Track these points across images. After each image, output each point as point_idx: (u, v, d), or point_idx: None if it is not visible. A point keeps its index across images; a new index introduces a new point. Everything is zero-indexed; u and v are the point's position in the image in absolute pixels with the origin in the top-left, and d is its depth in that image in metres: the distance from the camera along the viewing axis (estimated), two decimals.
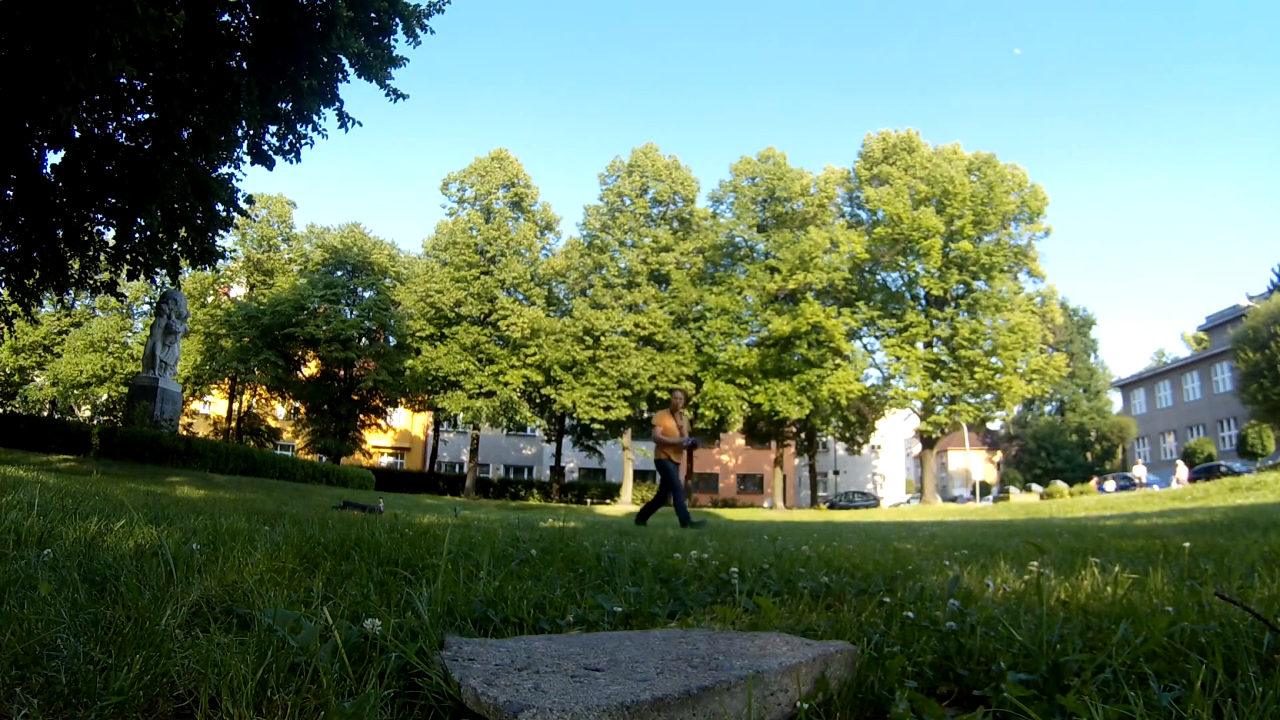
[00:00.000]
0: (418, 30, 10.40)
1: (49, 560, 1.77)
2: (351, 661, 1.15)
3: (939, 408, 36.36)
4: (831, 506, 41.64)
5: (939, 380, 36.16)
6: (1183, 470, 32.33)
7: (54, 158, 10.80)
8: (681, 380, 36.39)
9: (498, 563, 2.39)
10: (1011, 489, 43.09)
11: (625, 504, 35.65)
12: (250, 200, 12.05)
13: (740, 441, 47.54)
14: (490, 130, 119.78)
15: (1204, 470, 31.10)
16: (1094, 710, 1.02)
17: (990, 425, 47.88)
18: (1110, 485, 33.91)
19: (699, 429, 38.50)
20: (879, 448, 55.86)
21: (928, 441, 37.69)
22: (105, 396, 40.02)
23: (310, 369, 40.73)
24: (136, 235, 11.57)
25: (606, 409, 35.54)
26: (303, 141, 10.87)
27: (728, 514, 25.82)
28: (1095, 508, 16.74)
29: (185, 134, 10.19)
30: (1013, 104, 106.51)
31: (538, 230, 39.72)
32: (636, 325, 36.56)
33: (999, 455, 63.19)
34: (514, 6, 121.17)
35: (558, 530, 4.39)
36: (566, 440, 42.33)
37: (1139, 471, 34.10)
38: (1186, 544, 3.21)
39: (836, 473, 54.15)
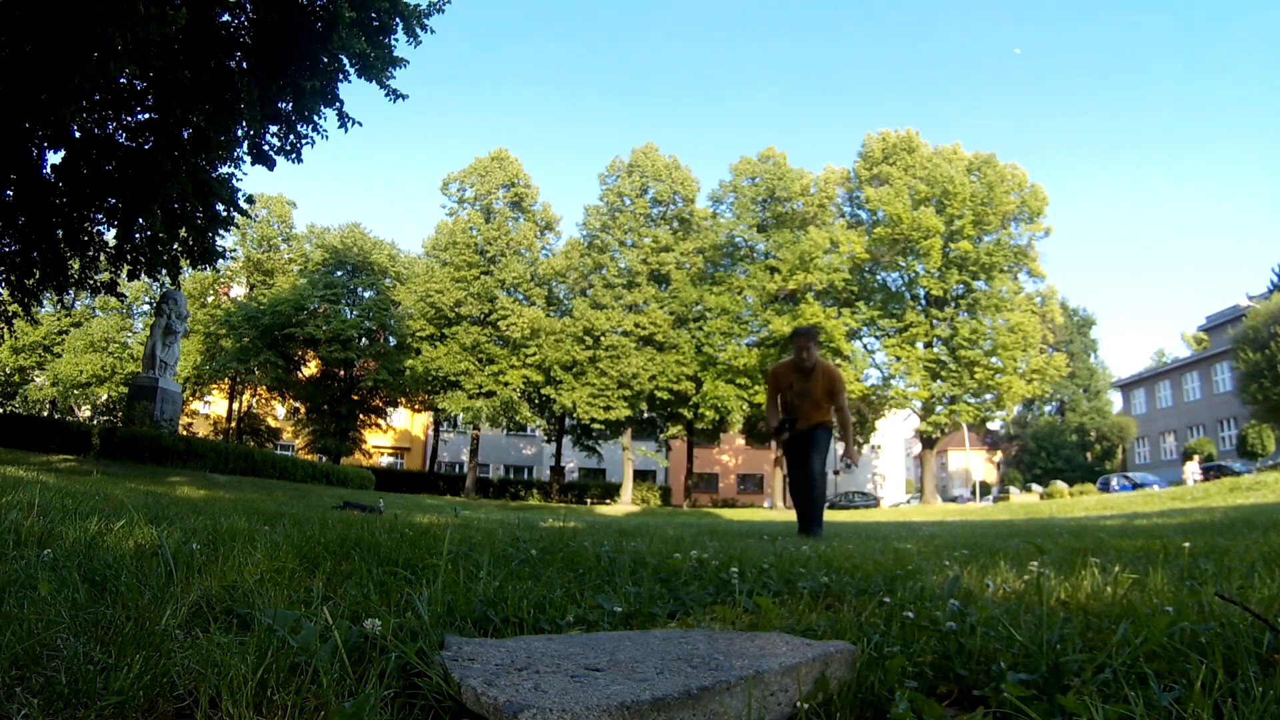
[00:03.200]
0: (418, 30, 10.41)
1: (49, 560, 1.77)
2: (351, 661, 1.15)
3: (939, 408, 36.35)
4: (831, 506, 41.65)
5: (939, 380, 36.15)
6: (1193, 469, 32.06)
7: (54, 158, 10.81)
8: (682, 381, 36.35)
9: (498, 563, 2.39)
10: (1011, 489, 43.09)
11: (625, 504, 35.65)
12: (250, 200, 12.06)
13: (740, 441, 47.52)
14: (490, 130, 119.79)
15: (1204, 471, 31.06)
16: (1094, 710, 1.02)
17: (990, 425, 47.86)
18: (1115, 483, 33.66)
19: (700, 429, 38.47)
20: (879, 448, 55.88)
21: (928, 441, 37.69)
22: (105, 396, 40.01)
23: (310, 369, 40.72)
24: (137, 235, 11.58)
25: (606, 409, 35.53)
26: (303, 141, 10.88)
27: (728, 514, 25.82)
28: (1095, 508, 16.75)
29: (185, 134, 10.19)
30: (1013, 104, 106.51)
31: (538, 230, 39.71)
32: (636, 325, 36.55)
33: (999, 455, 63.18)
34: (514, 7, 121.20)
35: (558, 530, 4.39)
36: (566, 440, 42.32)
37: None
38: (1186, 544, 3.21)
39: (836, 473, 54.13)
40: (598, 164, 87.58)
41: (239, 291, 43.75)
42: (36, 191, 10.70)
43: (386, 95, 10.50)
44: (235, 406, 43.40)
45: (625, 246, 38.13)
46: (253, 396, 43.95)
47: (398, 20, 10.24)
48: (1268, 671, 1.15)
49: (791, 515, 6.76)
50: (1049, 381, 36.93)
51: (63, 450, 14.51)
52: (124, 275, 12.98)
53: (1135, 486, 31.19)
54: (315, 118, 10.74)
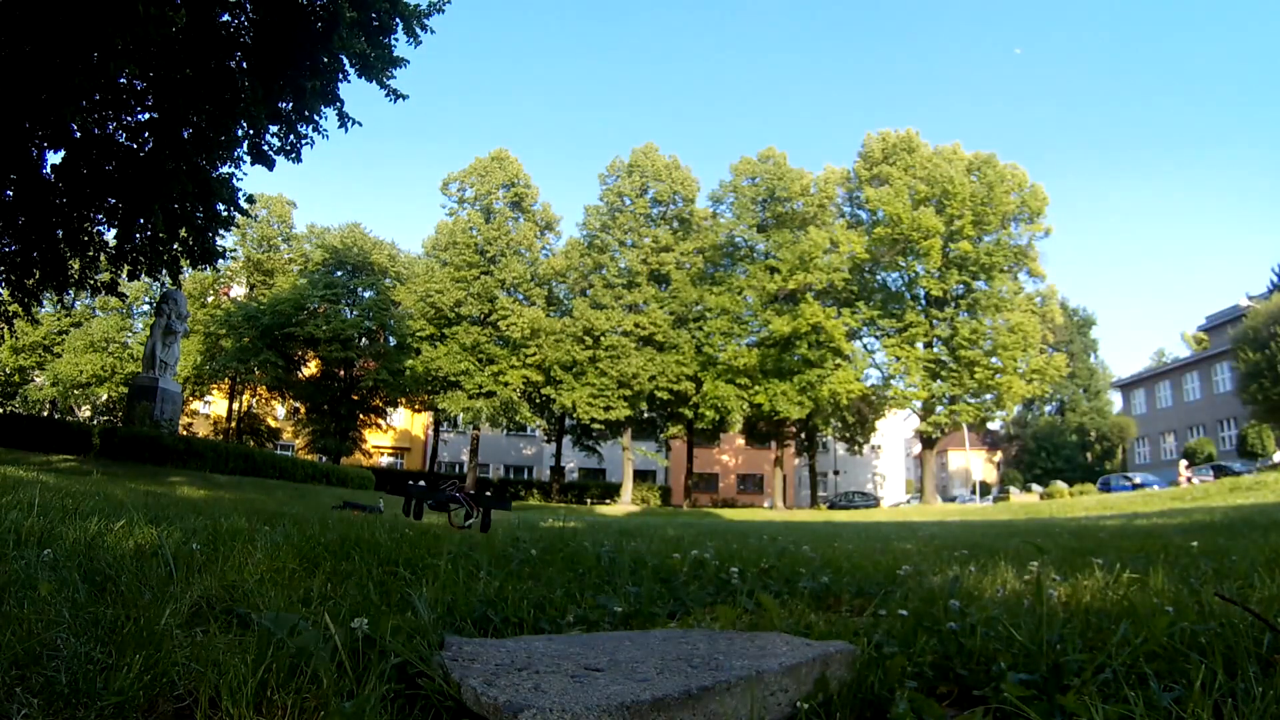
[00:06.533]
0: (418, 30, 10.41)
1: (49, 560, 1.77)
2: (351, 661, 1.15)
3: (939, 408, 36.36)
4: (831, 506, 41.64)
5: (939, 380, 36.16)
6: (1188, 471, 32.15)
7: (54, 158, 10.81)
8: (682, 381, 36.33)
9: (498, 563, 2.39)
10: (1011, 489, 43.09)
11: (625, 504, 35.65)
12: (251, 200, 12.06)
13: (740, 441, 47.53)
14: (490, 130, 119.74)
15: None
16: (1094, 710, 1.02)
17: (990, 425, 47.88)
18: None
19: (700, 429, 38.46)
20: (879, 448, 55.85)
21: (928, 441, 37.69)
22: (105, 396, 40.03)
23: (310, 369, 40.73)
24: (137, 236, 11.59)
25: (606, 409, 35.53)
26: (304, 141, 10.87)
27: (728, 514, 25.82)
28: (1095, 508, 16.74)
29: (186, 134, 10.20)
30: (1013, 104, 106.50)
31: (538, 230, 39.71)
32: (636, 325, 36.55)
33: (999, 455, 63.20)
34: (514, 7, 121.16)
35: (558, 530, 4.39)
36: (566, 440, 42.32)
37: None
38: (1189, 544, 3.21)
39: (836, 473, 54.15)
40: (598, 164, 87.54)
41: (239, 291, 43.76)
42: (36, 191, 10.70)
43: (387, 95, 10.50)
44: (235, 406, 43.39)
45: (625, 246, 38.13)
46: (253, 396, 43.94)
47: (398, 20, 10.24)
48: (1268, 671, 1.15)
49: (796, 516, 5.91)
50: (1049, 381, 36.94)
51: (63, 450, 14.51)
52: (124, 275, 12.98)
53: (1135, 486, 31.18)
54: (315, 118, 10.73)
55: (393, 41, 10.39)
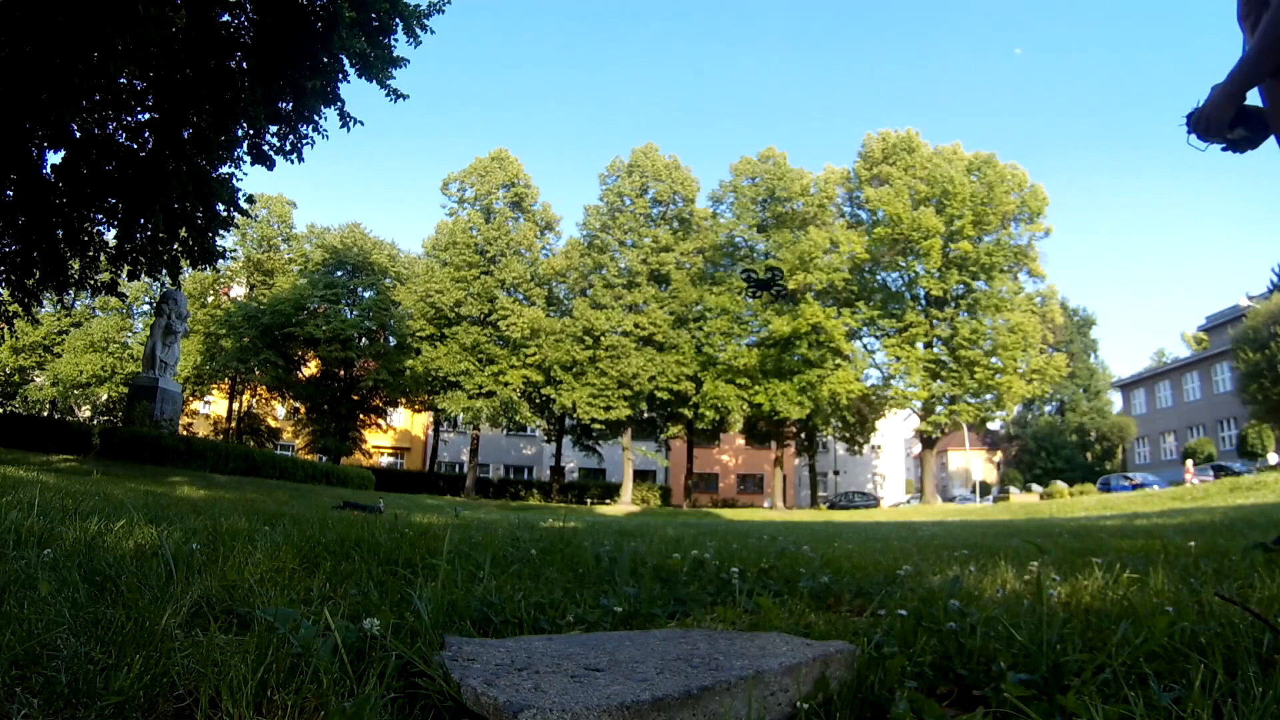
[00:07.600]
0: (418, 30, 10.42)
1: (49, 560, 1.77)
2: (351, 661, 1.15)
3: (939, 408, 36.35)
4: (831, 506, 41.64)
5: (939, 380, 36.16)
6: (1194, 469, 32.26)
7: (54, 158, 10.82)
8: (682, 381, 36.32)
9: (497, 563, 2.40)
10: (1011, 489, 43.07)
11: (625, 504, 35.64)
12: (251, 200, 12.07)
13: (740, 441, 47.51)
14: (490, 130, 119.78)
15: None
16: (1094, 710, 1.02)
17: (990, 425, 47.86)
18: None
19: (700, 429, 38.44)
20: (879, 448, 55.84)
21: (928, 441, 37.68)
22: (105, 396, 40.01)
23: (310, 369, 40.73)
24: (137, 236, 11.59)
25: (606, 409, 35.52)
26: (304, 141, 10.88)
27: (728, 514, 25.81)
28: (1095, 508, 16.75)
29: (186, 134, 10.20)
30: (1013, 104, 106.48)
31: (538, 230, 39.71)
32: (636, 325, 36.54)
33: (999, 455, 63.17)
34: (514, 7, 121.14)
35: (558, 530, 4.38)
36: (566, 440, 42.31)
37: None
38: (1188, 544, 3.22)
39: (836, 473, 54.14)
40: (598, 164, 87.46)
41: (239, 291, 43.75)
42: (36, 191, 10.70)
43: (387, 95, 10.51)
44: (235, 406, 43.39)
45: (625, 246, 38.12)
46: (253, 396, 43.94)
47: (398, 20, 10.24)
48: (1268, 671, 1.15)
49: (796, 516, 5.92)
50: (1049, 381, 36.93)
51: (63, 450, 14.51)
52: (124, 275, 12.99)
53: (1135, 486, 31.17)
54: (316, 118, 10.74)
55: (393, 41, 10.40)
